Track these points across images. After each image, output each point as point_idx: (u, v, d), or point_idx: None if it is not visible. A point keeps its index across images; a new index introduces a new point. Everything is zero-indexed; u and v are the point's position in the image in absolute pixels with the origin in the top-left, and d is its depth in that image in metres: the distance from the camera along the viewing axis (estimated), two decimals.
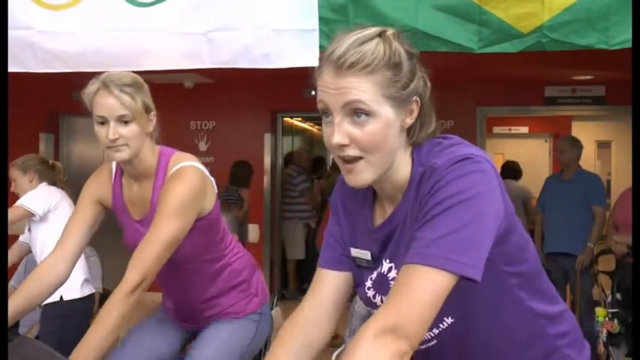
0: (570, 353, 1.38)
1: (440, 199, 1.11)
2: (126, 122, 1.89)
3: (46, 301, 3.35)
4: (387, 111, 1.15)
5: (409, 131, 1.22)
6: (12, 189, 3.54)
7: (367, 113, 1.14)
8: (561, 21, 2.42)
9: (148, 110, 1.96)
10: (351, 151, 1.16)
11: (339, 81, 1.14)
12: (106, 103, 1.88)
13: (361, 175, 1.18)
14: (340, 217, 1.40)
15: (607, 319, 3.87)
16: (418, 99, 1.19)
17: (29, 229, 3.53)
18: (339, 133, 1.15)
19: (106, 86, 1.89)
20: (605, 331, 3.83)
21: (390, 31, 1.18)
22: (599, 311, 3.98)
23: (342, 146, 1.15)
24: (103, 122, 1.90)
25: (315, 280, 1.40)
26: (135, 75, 1.97)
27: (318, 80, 1.18)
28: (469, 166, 1.13)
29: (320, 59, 1.20)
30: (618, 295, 4.04)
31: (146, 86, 1.99)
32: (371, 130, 1.14)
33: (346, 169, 1.19)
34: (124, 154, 1.92)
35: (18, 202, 3.38)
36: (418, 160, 1.22)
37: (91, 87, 1.91)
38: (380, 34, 1.16)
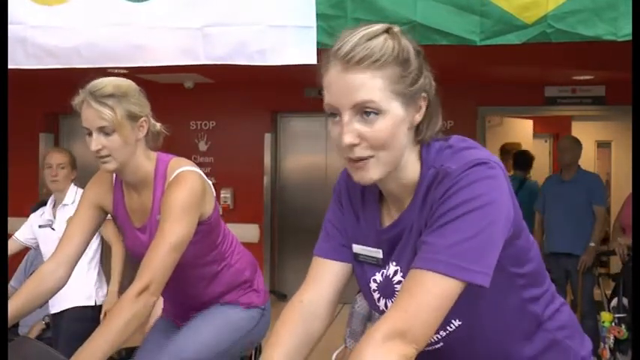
0: (572, 344, 1.39)
1: (453, 204, 1.10)
2: (107, 133, 1.90)
3: (77, 304, 3.35)
4: (396, 108, 1.13)
5: (417, 128, 1.20)
6: (53, 175, 3.29)
7: (377, 112, 1.12)
8: (567, 10, 2.34)
9: (134, 118, 1.93)
10: (361, 152, 1.14)
11: (347, 77, 1.11)
12: (87, 115, 1.90)
13: (370, 172, 1.16)
14: (344, 207, 1.37)
15: (613, 324, 3.81)
16: (426, 95, 1.18)
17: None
18: (349, 132, 1.12)
19: (88, 98, 1.89)
20: (612, 337, 3.76)
21: (396, 28, 1.17)
22: (605, 316, 3.91)
23: (352, 146, 1.13)
24: (89, 133, 1.91)
25: (314, 270, 1.37)
26: (120, 83, 1.94)
27: (325, 78, 1.16)
28: (483, 171, 1.12)
29: (325, 57, 1.17)
30: (625, 301, 3.97)
31: (133, 93, 1.95)
32: (380, 127, 1.12)
33: (355, 166, 1.16)
34: (110, 165, 1.93)
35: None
36: (427, 161, 1.20)
37: (78, 98, 1.92)
38: (387, 31, 1.15)
